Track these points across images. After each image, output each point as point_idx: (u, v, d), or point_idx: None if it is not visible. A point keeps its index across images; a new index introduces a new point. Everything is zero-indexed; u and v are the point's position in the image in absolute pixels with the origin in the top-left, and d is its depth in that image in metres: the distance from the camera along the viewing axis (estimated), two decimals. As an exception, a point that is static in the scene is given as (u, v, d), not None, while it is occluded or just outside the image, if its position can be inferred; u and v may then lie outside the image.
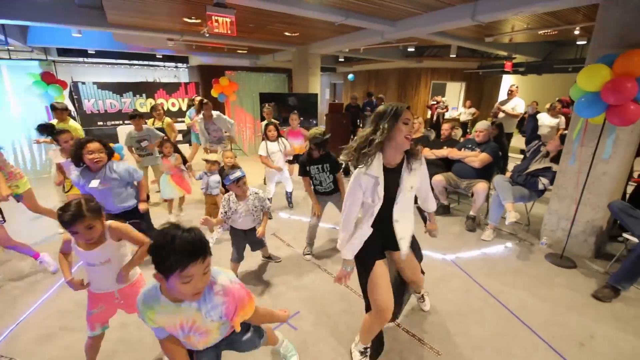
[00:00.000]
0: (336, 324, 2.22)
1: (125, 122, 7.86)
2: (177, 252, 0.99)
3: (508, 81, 10.26)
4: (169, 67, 11.66)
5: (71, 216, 1.45)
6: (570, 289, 2.68)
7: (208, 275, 1.12)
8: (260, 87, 8.19)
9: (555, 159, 3.43)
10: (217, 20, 3.45)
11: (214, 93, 7.80)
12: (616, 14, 2.73)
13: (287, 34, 6.06)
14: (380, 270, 1.69)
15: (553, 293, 2.62)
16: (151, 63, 11.12)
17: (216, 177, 3.49)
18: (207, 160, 3.52)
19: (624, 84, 2.33)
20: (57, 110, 3.96)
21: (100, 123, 7.80)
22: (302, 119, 7.55)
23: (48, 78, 5.26)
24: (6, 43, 5.61)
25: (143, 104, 8.31)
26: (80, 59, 9.68)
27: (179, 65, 11.68)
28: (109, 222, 1.65)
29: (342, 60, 10.46)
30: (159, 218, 3.51)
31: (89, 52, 9.23)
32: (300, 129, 4.83)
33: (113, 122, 7.86)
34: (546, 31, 5.26)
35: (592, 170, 2.91)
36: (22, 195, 3.02)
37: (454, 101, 11.00)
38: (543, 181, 3.38)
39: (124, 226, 1.67)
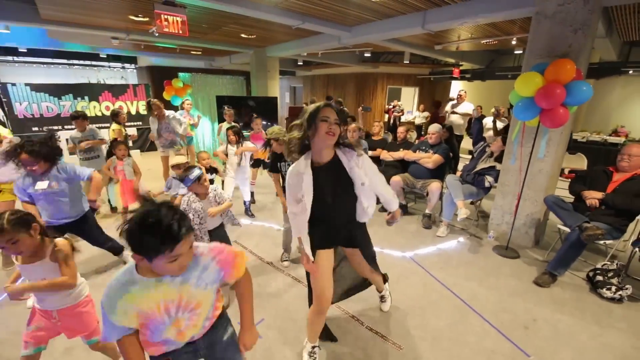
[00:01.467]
0: (302, 329, 2.20)
1: (65, 127, 7.20)
2: (165, 234, 0.92)
3: (457, 86, 11.00)
4: (114, 67, 10.84)
5: None
6: (515, 277, 2.92)
7: (193, 249, 1.06)
8: (217, 90, 7.96)
9: (499, 159, 3.73)
10: (166, 20, 3.29)
11: (166, 95, 7.42)
12: (546, 26, 3.04)
13: (243, 35, 5.95)
14: (321, 259, 1.73)
15: (500, 282, 2.84)
16: (94, 63, 10.26)
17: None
18: (177, 165, 3.13)
19: (554, 90, 2.60)
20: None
21: (36, 129, 7.02)
22: (263, 122, 7.50)
23: (-32, 78, 4.65)
24: None
25: (86, 107, 7.64)
26: (9, 58, 8.67)
27: (126, 65, 10.90)
28: (58, 241, 1.51)
29: (301, 63, 10.50)
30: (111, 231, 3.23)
31: (19, 50, 8.30)
32: (262, 132, 4.77)
33: (50, 127, 7.12)
34: (488, 41, 5.72)
35: (530, 168, 3.21)
36: None
37: (409, 105, 11.53)
38: (489, 179, 3.66)
39: (66, 254, 1.52)
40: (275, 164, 2.89)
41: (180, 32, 3.36)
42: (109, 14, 4.53)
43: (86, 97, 7.61)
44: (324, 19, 4.51)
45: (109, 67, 10.68)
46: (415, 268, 3.04)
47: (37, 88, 6.98)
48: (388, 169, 4.40)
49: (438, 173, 3.99)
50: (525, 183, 3.27)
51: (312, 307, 1.81)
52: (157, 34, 5.27)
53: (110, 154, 3.90)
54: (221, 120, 7.19)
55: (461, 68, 9.20)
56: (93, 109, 7.75)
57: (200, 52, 8.50)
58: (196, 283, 1.10)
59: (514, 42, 5.61)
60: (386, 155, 4.59)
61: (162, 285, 1.06)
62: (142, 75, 10.94)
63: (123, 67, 10.92)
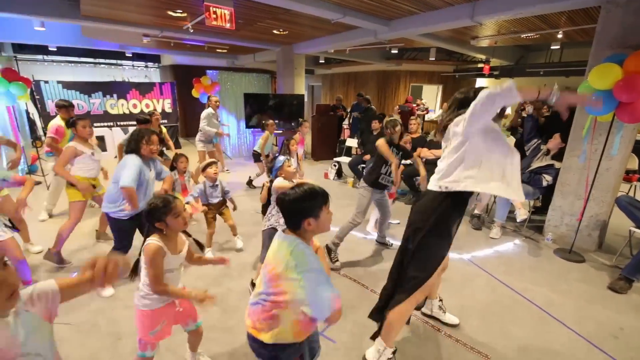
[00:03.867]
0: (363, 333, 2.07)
1: (94, 124, 7.23)
2: (320, 194, 1.19)
3: (482, 84, 10.73)
4: (138, 66, 10.93)
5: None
6: (586, 282, 2.74)
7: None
8: (243, 88, 7.90)
9: (556, 157, 3.54)
10: (215, 12, 3.21)
11: (194, 93, 7.42)
12: (617, 16, 2.85)
13: (275, 32, 5.86)
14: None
15: (572, 288, 2.66)
16: (120, 62, 10.36)
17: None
18: (209, 165, 2.96)
19: (636, 82, 2.41)
20: (65, 107, 3.62)
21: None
22: (292, 123, 7.43)
23: (10, 75, 4.67)
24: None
25: (114, 105, 7.69)
26: (40, 56, 8.80)
27: (150, 64, 10.98)
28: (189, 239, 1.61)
29: (323, 61, 10.38)
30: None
31: (49, 48, 8.40)
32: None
33: (80, 125, 7.17)
34: (529, 35, 5.49)
35: (598, 166, 3.01)
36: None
37: (431, 103, 11.31)
38: (547, 178, 3.47)
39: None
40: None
41: (228, 25, 3.28)
42: (146, 9, 4.48)
43: (114, 95, 7.66)
44: (365, 12, 4.38)
45: (133, 65, 10.77)
46: (477, 271, 2.89)
47: (68, 86, 7.05)
48: (431, 167, 4.23)
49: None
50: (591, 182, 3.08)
51: (401, 307, 1.67)
52: (191, 30, 5.24)
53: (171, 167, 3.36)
54: (250, 121, 7.22)
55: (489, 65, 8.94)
56: (121, 106, 7.79)
57: (225, 50, 8.46)
58: None
59: (559, 36, 5.36)
60: (427, 154, 4.44)
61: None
62: (165, 74, 11.00)
63: (146, 66, 11.00)
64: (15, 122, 5.05)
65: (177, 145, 8.52)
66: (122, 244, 2.38)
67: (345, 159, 5.96)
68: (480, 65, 9.17)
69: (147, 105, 8.18)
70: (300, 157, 4.78)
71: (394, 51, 7.69)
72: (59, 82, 6.94)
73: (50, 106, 6.84)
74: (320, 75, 13.67)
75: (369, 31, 5.17)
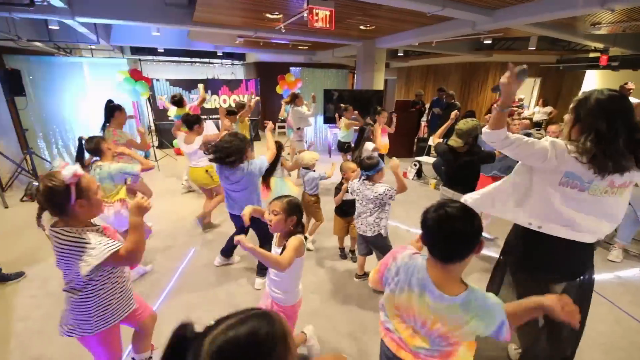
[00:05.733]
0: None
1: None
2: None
3: (591, 77, 9.23)
4: (226, 64, 11.93)
5: None
6: None
7: None
8: (323, 84, 8.07)
9: None
10: (317, 14, 3.30)
11: (278, 89, 7.81)
12: None
13: (362, 27, 5.82)
14: None
15: None
16: (211, 60, 11.43)
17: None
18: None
19: None
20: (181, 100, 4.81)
21: (171, 118, 8.11)
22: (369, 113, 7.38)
23: (136, 75, 5.51)
24: (98, 42, 5.95)
25: (208, 100, 8.53)
26: (150, 57, 10.18)
27: (235, 62, 11.90)
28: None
29: (401, 54, 10.00)
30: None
31: (158, 50, 9.66)
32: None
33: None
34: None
35: None
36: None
37: (526, 99, 10.10)
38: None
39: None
40: None
41: (328, 25, 3.35)
42: (247, 12, 4.83)
43: (209, 91, 8.48)
44: (466, 2, 4.08)
45: (222, 64, 11.78)
46: (595, 297, 2.52)
47: (174, 83, 8.03)
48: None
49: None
50: None
51: None
52: (283, 30, 5.49)
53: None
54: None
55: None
56: (214, 101, 8.61)
57: (307, 47, 8.71)
58: None
59: None
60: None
61: None
62: (249, 71, 11.80)
63: (232, 64, 11.94)
64: (138, 115, 5.95)
65: (257, 138, 9.12)
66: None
67: (427, 159, 5.71)
68: (592, 55, 7.88)
69: (235, 101, 8.91)
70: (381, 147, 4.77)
71: (487, 42, 7.04)
72: (167, 79, 7.95)
73: (159, 101, 7.89)
74: (396, 68, 13.22)
75: (466, 22, 4.81)
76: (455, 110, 3.20)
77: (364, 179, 2.43)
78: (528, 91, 10.12)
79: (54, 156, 5.58)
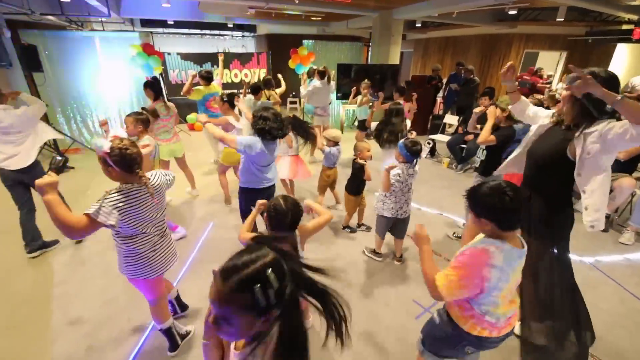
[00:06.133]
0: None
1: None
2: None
3: (622, 51, 8.69)
4: (236, 36, 11.63)
5: None
6: None
7: None
8: (337, 57, 7.87)
9: None
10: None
11: (291, 64, 7.65)
12: None
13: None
14: None
15: None
16: (222, 32, 11.16)
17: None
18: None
19: None
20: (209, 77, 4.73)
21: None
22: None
23: (148, 49, 5.48)
24: (109, 15, 5.88)
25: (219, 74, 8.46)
26: (160, 29, 10.00)
27: (246, 34, 11.58)
28: None
29: (419, 25, 9.56)
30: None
31: (168, 22, 9.48)
32: None
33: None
34: None
35: None
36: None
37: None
38: None
39: None
40: None
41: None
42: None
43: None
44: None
45: (232, 36, 11.50)
46: (602, 278, 2.58)
47: (185, 57, 7.95)
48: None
49: (630, 166, 3.23)
50: None
51: None
52: (297, 2, 5.32)
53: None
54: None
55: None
56: (225, 76, 8.53)
57: (320, 18, 8.42)
58: None
59: None
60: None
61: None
62: (260, 43, 11.50)
63: (243, 36, 11.63)
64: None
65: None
66: None
67: (442, 137, 5.63)
68: (625, 27, 7.38)
69: (246, 75, 8.81)
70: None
71: (512, 12, 6.65)
72: (178, 53, 7.88)
73: (172, 75, 7.87)
74: (413, 40, 12.67)
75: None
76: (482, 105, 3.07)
77: (411, 165, 2.37)
78: (552, 66, 9.63)
79: (74, 132, 5.73)
